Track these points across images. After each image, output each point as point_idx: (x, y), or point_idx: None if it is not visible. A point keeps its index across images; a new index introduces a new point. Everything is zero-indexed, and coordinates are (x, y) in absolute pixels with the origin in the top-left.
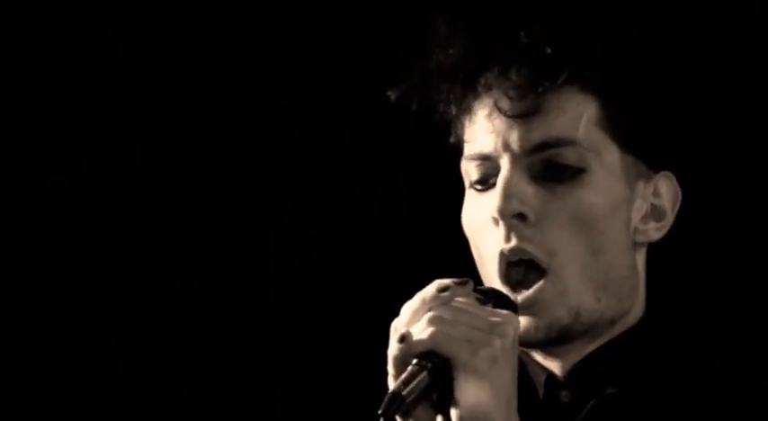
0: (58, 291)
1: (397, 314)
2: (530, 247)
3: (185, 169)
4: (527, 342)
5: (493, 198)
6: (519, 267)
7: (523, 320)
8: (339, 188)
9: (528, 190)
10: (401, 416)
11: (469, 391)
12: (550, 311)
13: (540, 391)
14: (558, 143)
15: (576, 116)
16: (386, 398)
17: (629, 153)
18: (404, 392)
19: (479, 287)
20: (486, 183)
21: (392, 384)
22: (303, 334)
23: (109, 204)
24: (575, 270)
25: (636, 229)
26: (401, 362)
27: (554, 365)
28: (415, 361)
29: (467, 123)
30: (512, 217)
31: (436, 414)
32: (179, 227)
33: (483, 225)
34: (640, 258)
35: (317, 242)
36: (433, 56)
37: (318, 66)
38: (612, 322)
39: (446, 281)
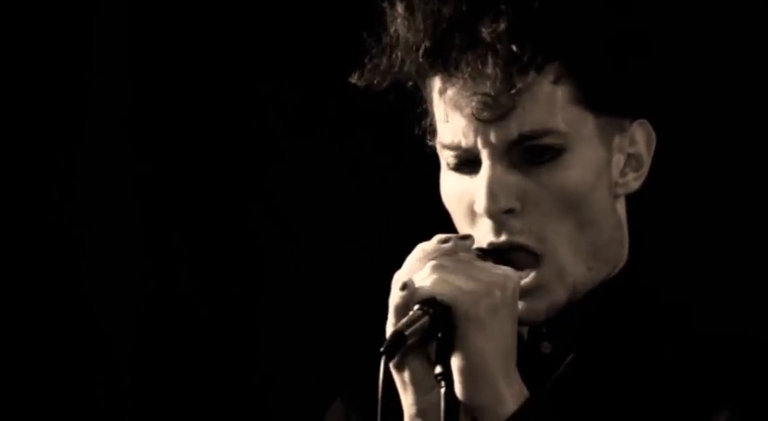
0: (48, 273)
1: (386, 283)
2: (521, 239)
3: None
4: (527, 323)
5: (475, 188)
6: (511, 253)
7: (523, 304)
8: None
9: (511, 180)
10: (397, 363)
11: (470, 340)
12: (550, 294)
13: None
14: (536, 134)
15: (551, 102)
16: (388, 337)
17: (603, 115)
18: (406, 332)
19: (480, 247)
20: (464, 166)
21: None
22: (288, 311)
23: (96, 187)
24: (567, 248)
25: (616, 183)
26: (402, 310)
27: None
28: (416, 306)
29: (438, 110)
30: (501, 214)
31: (434, 366)
32: (166, 199)
33: (466, 212)
34: (621, 210)
35: (305, 217)
36: (400, 42)
37: (302, 46)
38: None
39: (447, 235)
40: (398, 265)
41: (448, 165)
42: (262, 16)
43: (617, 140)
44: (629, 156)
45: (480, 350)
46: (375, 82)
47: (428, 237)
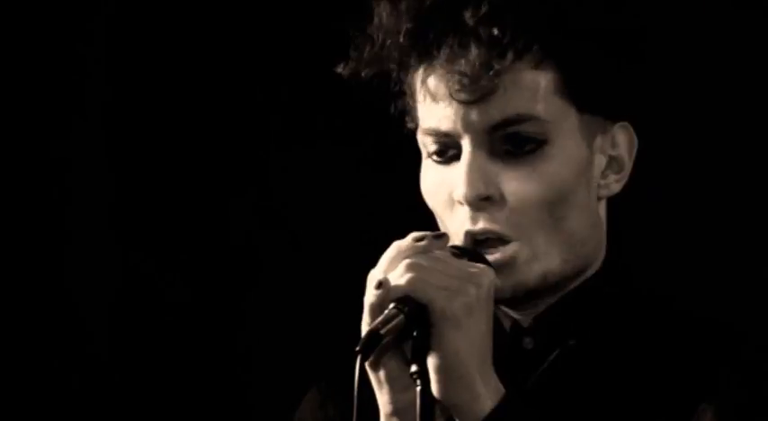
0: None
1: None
2: (497, 227)
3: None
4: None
5: (455, 177)
6: (486, 242)
7: None
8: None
9: (492, 169)
10: (372, 362)
11: (445, 338)
12: (518, 275)
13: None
14: (519, 119)
15: (533, 89)
16: (363, 336)
17: (586, 112)
18: (381, 331)
19: (454, 244)
20: (445, 154)
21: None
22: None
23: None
24: (541, 238)
25: (598, 185)
26: (378, 309)
27: (519, 313)
28: (392, 305)
29: (420, 96)
30: (479, 201)
31: (409, 364)
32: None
33: (445, 201)
34: (602, 211)
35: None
36: (383, 27)
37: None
38: (578, 275)
39: (422, 233)
40: (373, 262)
41: (428, 153)
42: (242, 15)
43: (599, 141)
44: (611, 159)
45: (456, 348)
46: (360, 71)
47: (404, 235)
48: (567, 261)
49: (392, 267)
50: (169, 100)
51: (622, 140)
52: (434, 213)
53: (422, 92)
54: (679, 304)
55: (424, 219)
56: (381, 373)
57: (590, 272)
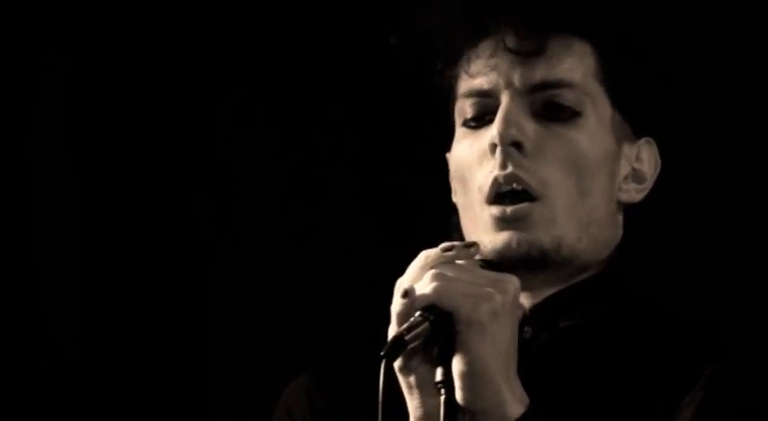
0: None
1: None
2: (525, 175)
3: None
4: (506, 256)
5: (491, 129)
6: (510, 195)
7: (506, 234)
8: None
9: (527, 124)
10: (402, 367)
11: (470, 343)
12: (535, 231)
13: None
14: (560, 84)
15: (577, 63)
16: (389, 341)
17: (618, 111)
18: (406, 337)
19: (482, 258)
20: (482, 119)
21: (404, 377)
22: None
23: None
24: (563, 204)
25: (619, 187)
26: (404, 317)
27: (524, 297)
28: (418, 313)
29: (468, 61)
30: (510, 144)
31: (435, 368)
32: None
33: (476, 158)
34: (620, 215)
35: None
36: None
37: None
38: (585, 268)
39: (451, 242)
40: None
41: (465, 120)
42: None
43: (626, 148)
44: (634, 170)
45: (481, 354)
46: (412, 42)
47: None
48: (581, 239)
49: (419, 276)
50: (130, 95)
51: (646, 157)
52: (456, 183)
53: (468, 56)
54: (673, 309)
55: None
56: (411, 378)
57: (592, 271)
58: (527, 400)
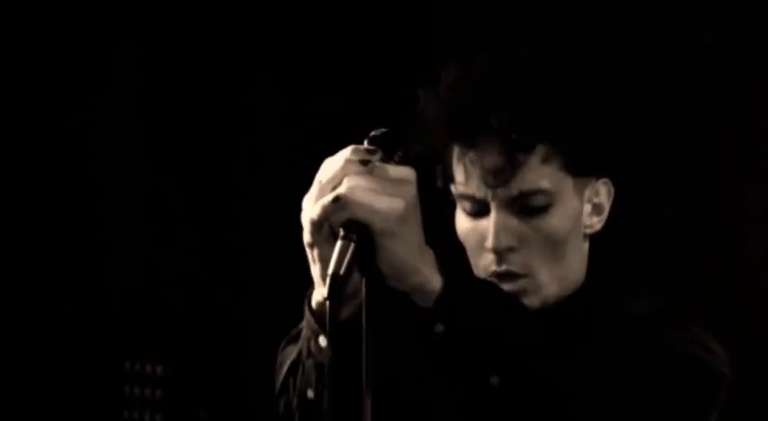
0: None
1: None
2: (514, 268)
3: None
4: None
5: (483, 228)
6: (505, 276)
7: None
8: None
9: (512, 224)
10: (309, 243)
11: (387, 249)
12: (527, 300)
13: None
14: (532, 192)
15: (543, 169)
16: (328, 282)
17: (579, 176)
18: (341, 272)
19: (375, 135)
20: (478, 214)
21: (311, 252)
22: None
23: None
24: (546, 274)
25: (585, 226)
26: (317, 226)
27: None
28: (341, 234)
29: (458, 170)
30: (503, 251)
31: (361, 275)
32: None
33: (475, 244)
34: (586, 246)
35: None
36: (427, 116)
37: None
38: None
39: (361, 147)
40: None
41: (464, 210)
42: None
43: (587, 193)
44: (594, 205)
45: (398, 254)
46: (414, 146)
47: None
48: (562, 288)
49: (338, 178)
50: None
51: (603, 191)
52: (466, 249)
53: (459, 167)
54: (631, 305)
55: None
56: (315, 252)
57: (571, 290)
58: (443, 275)
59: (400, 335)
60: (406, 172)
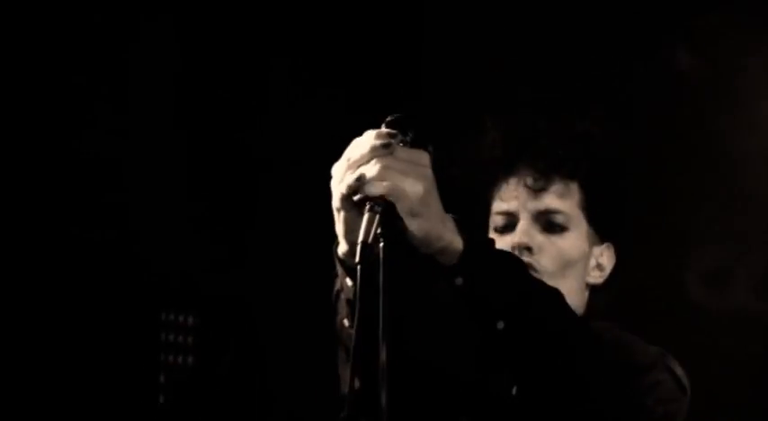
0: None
1: None
2: (528, 260)
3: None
4: None
5: (509, 243)
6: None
7: None
8: None
9: (534, 233)
10: (338, 208)
11: (412, 225)
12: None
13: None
14: (556, 211)
15: (568, 198)
16: (359, 250)
17: (591, 227)
18: (369, 240)
19: (392, 121)
20: (506, 229)
21: (338, 214)
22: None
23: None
24: (550, 282)
25: (588, 273)
26: (347, 199)
27: None
28: (368, 207)
29: (501, 189)
30: (523, 248)
31: (385, 241)
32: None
33: None
34: (587, 292)
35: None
36: (481, 153)
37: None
38: None
39: (383, 131)
40: None
41: (496, 228)
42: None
43: (594, 250)
44: (598, 263)
45: (422, 226)
46: (462, 173)
47: None
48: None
49: (366, 159)
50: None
51: (607, 255)
52: None
53: (501, 188)
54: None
55: None
56: (342, 215)
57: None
58: (462, 236)
59: (416, 292)
60: (421, 155)
